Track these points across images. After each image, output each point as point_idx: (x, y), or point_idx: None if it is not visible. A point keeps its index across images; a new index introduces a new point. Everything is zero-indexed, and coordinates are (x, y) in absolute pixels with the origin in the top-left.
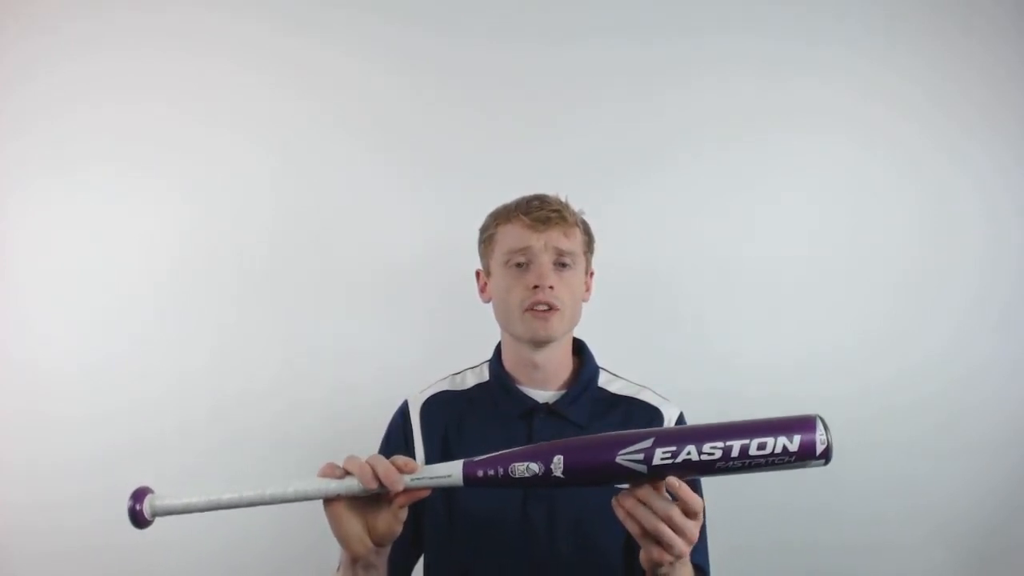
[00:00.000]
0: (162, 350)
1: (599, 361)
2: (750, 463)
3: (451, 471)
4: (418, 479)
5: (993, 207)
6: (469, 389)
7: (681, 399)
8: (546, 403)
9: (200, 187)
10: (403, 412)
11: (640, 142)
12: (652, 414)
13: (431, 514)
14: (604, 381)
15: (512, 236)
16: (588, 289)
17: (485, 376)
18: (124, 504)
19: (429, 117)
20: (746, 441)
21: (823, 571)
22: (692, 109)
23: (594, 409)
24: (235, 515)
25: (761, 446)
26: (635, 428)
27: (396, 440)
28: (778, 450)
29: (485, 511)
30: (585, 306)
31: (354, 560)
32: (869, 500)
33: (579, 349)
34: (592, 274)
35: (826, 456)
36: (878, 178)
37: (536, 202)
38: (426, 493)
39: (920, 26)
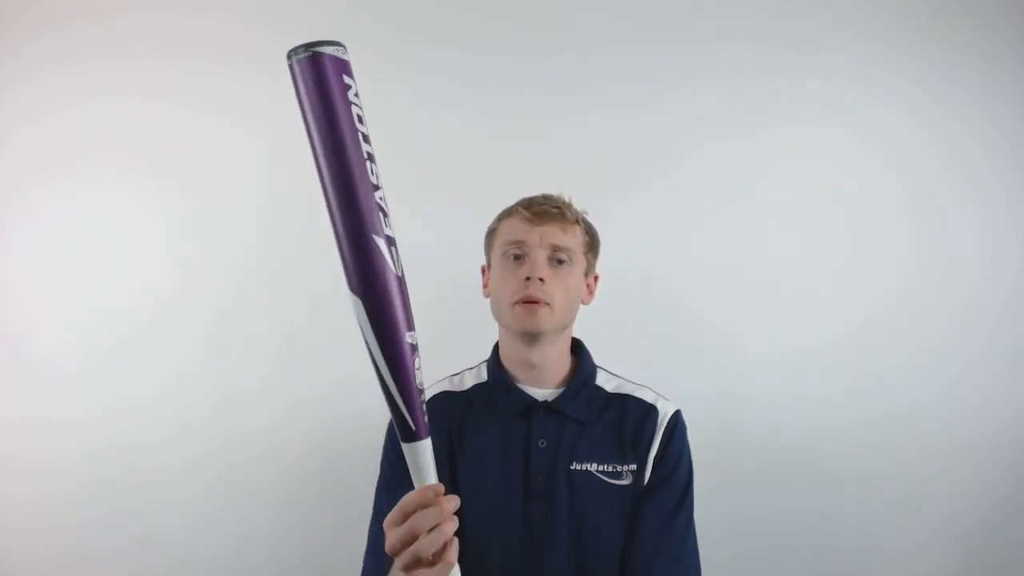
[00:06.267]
0: (161, 350)
1: (598, 361)
2: None
3: None
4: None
5: (992, 208)
6: (468, 390)
7: (681, 400)
8: (545, 400)
9: (199, 186)
10: None
11: (641, 144)
12: (647, 411)
13: None
14: (601, 380)
15: (511, 229)
16: (591, 292)
17: (483, 377)
18: (124, 504)
19: (431, 119)
20: None
21: (823, 572)
22: (693, 111)
23: (591, 407)
24: (235, 516)
25: None
26: (630, 425)
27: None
28: None
29: (486, 511)
30: (585, 307)
31: None
32: (869, 500)
33: (576, 349)
34: (597, 278)
35: None
36: (878, 179)
37: (539, 198)
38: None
39: (920, 27)
